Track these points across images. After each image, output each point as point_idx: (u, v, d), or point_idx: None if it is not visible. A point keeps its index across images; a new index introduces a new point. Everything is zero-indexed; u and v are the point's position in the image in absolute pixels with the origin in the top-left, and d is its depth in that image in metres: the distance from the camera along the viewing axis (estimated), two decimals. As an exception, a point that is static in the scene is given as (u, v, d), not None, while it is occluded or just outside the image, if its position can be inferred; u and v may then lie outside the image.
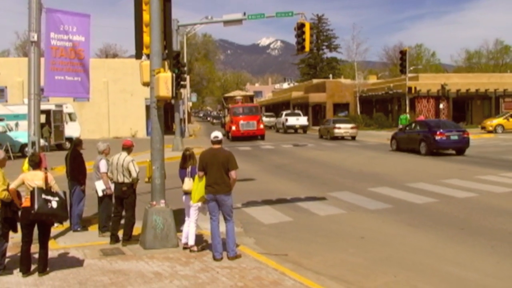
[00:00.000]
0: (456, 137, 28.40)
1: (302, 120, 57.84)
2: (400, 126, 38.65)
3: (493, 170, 20.92)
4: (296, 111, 64.81)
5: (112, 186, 11.26)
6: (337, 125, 44.20)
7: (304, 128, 57.45)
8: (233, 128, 46.13)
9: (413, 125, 31.75)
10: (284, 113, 60.78)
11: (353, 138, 43.88)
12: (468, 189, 16.75)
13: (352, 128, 44.11)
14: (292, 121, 57.49)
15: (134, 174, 10.78)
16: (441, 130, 28.23)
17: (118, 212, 11.10)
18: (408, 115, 42.12)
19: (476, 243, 10.59)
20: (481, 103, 59.55)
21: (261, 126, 46.69)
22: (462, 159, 25.58)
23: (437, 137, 28.00)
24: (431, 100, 57.33)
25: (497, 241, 10.61)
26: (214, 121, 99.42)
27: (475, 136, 42.87)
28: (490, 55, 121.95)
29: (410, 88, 44.97)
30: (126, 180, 10.79)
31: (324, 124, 48.24)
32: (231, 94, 57.98)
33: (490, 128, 45.97)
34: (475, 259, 9.53)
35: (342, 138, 43.64)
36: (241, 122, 45.96)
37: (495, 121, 47.08)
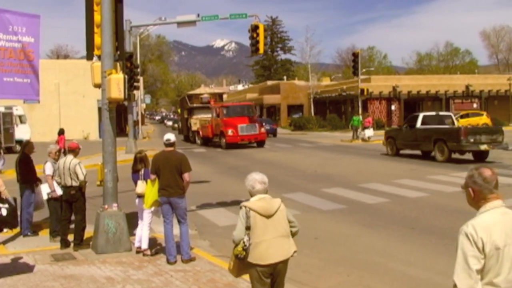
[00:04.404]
0: (268, 127, 48.50)
1: None
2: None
3: (443, 170, 21.33)
4: None
5: (59, 190, 11.06)
6: None
7: None
8: (230, 132, 37.60)
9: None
10: None
11: None
12: (419, 189, 17.05)
13: None
14: None
15: (81, 177, 10.59)
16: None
17: (67, 216, 10.90)
18: (360, 117, 42.77)
19: (427, 242, 10.79)
20: (432, 104, 60.82)
21: (263, 129, 39.30)
22: (413, 160, 26.05)
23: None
24: (383, 102, 58.39)
25: (448, 239, 10.78)
26: (175, 125, 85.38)
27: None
28: (440, 57, 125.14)
29: (362, 90, 45.62)
30: (74, 183, 10.58)
31: None
32: (196, 91, 54.12)
33: (441, 129, 46.75)
34: (427, 258, 9.70)
35: None
36: (240, 125, 37.70)
37: (446, 122, 47.87)
